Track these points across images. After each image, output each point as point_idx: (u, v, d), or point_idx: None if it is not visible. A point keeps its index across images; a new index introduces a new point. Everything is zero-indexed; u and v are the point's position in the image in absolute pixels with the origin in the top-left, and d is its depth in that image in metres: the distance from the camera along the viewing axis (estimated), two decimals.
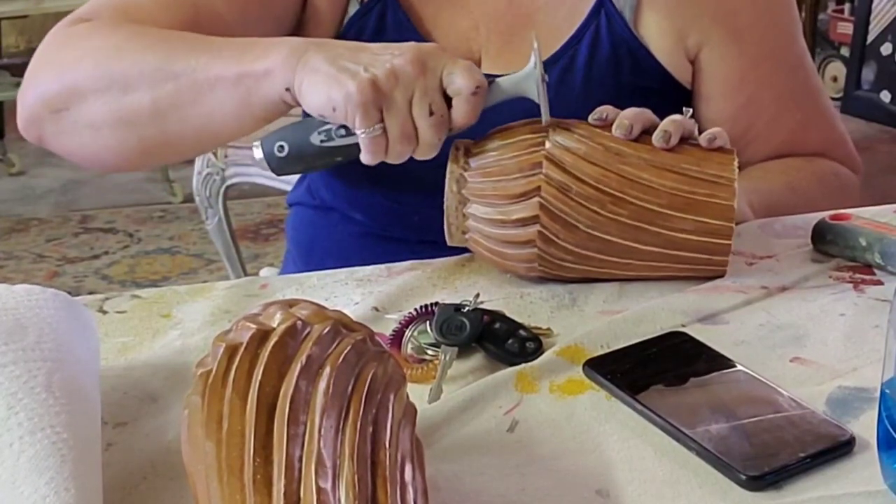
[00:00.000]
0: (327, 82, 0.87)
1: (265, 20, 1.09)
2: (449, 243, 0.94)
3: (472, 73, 0.87)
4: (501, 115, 0.92)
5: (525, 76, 0.91)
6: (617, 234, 0.89)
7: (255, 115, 0.94)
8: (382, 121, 0.86)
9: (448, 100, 0.88)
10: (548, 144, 0.89)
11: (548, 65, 1.06)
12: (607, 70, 1.06)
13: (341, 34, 1.11)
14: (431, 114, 0.86)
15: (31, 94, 1.02)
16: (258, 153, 0.92)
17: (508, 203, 0.89)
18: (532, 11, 1.09)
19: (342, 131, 0.89)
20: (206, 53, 0.95)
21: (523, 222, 0.89)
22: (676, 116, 0.91)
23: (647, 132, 0.91)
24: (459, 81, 0.87)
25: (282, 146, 0.91)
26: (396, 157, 0.88)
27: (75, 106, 0.99)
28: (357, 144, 0.88)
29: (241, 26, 1.06)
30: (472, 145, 0.92)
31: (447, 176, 0.91)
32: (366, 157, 0.88)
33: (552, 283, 0.93)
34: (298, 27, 1.13)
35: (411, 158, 0.90)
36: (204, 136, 0.99)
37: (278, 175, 0.95)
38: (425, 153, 0.89)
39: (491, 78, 0.90)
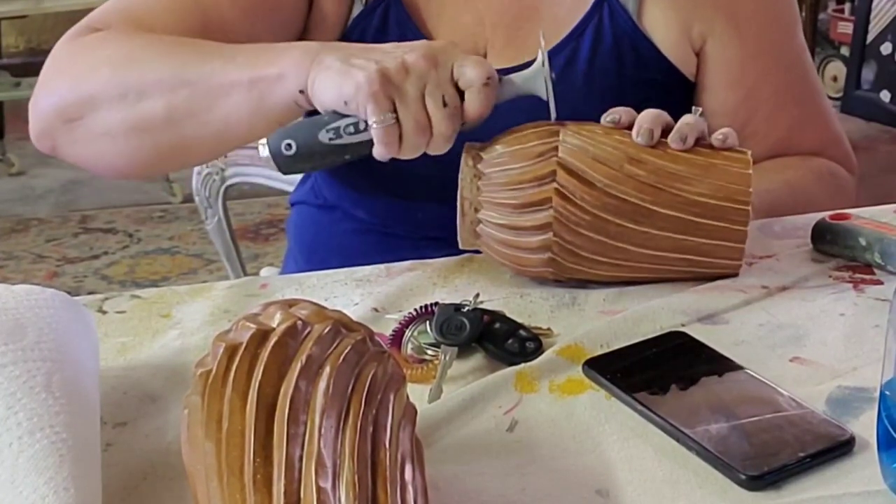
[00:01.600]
0: (338, 78, 0.87)
1: (273, 25, 1.10)
2: (462, 246, 0.94)
3: (483, 65, 0.88)
4: (509, 113, 0.92)
5: (534, 74, 0.91)
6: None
7: (269, 118, 0.95)
8: (395, 112, 0.87)
9: (461, 94, 0.88)
10: (561, 149, 0.89)
11: (549, 56, 1.06)
12: (610, 63, 1.07)
13: (345, 34, 1.11)
14: (445, 105, 0.87)
15: (44, 105, 1.03)
16: (264, 151, 0.91)
17: (522, 211, 0.89)
18: (536, 4, 1.09)
19: (351, 129, 0.88)
20: (220, 59, 0.95)
21: (538, 228, 0.88)
22: (689, 118, 0.91)
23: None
24: (470, 73, 0.87)
25: (289, 144, 0.90)
26: (411, 150, 0.88)
27: (89, 115, 1.00)
28: (366, 142, 0.88)
29: (248, 31, 1.06)
30: (484, 149, 0.92)
31: (459, 181, 0.91)
32: (379, 150, 0.88)
33: (552, 283, 0.92)
34: (304, 30, 1.13)
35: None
36: (218, 141, 1.00)
37: (285, 174, 0.94)
38: (439, 146, 0.88)
39: (503, 73, 0.90)
